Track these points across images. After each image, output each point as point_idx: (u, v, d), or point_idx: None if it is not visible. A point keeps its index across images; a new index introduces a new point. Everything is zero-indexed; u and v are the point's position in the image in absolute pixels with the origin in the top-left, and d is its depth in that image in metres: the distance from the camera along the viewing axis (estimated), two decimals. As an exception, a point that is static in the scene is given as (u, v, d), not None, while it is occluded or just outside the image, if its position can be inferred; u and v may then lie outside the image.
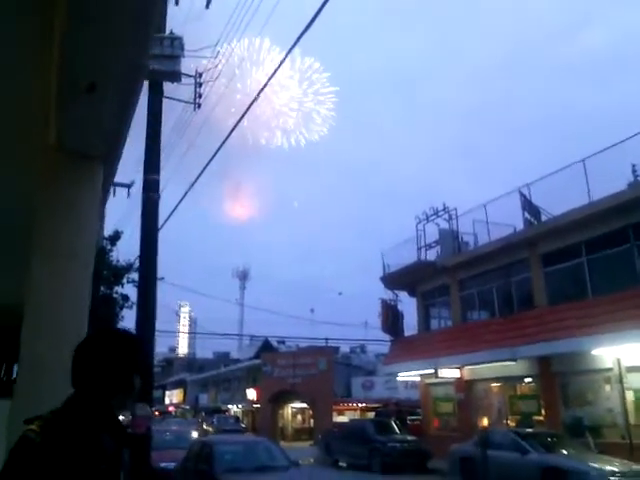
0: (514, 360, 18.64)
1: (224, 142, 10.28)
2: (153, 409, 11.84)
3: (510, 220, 21.17)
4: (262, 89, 8.91)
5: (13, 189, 3.92)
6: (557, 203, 18.84)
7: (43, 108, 3.45)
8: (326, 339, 42.37)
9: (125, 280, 15.48)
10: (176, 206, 12.41)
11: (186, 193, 11.90)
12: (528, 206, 20.33)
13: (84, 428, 1.63)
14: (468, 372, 21.50)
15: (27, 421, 1.70)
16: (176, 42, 10.21)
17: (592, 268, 17.75)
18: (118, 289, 15.66)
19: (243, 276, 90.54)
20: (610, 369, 16.52)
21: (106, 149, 3.86)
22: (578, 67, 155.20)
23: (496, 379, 20.78)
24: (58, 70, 2.95)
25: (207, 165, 10.93)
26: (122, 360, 1.83)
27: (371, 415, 32.58)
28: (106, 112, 3.39)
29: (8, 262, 5.36)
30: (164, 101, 10.58)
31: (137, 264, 12.54)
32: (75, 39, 2.77)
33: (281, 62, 8.52)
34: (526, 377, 19.75)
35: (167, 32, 10.38)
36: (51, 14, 2.80)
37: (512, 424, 19.43)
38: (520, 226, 20.52)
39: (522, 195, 20.31)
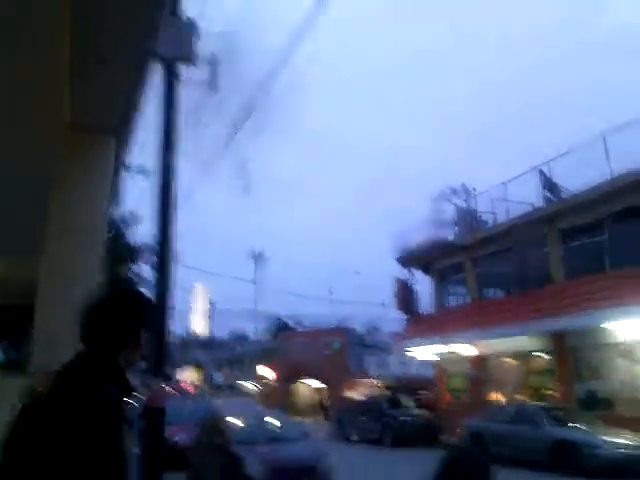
0: (528, 335, 18.68)
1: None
2: (169, 387, 12.03)
3: (529, 200, 21.07)
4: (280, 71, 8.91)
5: (28, 165, 4.01)
6: (576, 181, 18.66)
7: (57, 84, 3.50)
8: (340, 318, 42.57)
9: (142, 261, 15.71)
10: (193, 190, 12.48)
11: (208, 172, 11.95)
12: (548, 184, 20.20)
13: (88, 379, 1.65)
14: (482, 348, 21.53)
15: (36, 377, 1.78)
16: (190, 24, 10.15)
17: (611, 243, 17.58)
18: (135, 269, 15.89)
19: (258, 258, 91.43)
20: (623, 343, 16.49)
21: (118, 124, 3.92)
22: (603, 43, 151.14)
23: (510, 354, 20.82)
24: (70, 41, 2.98)
25: (228, 144, 10.97)
26: (128, 315, 1.86)
27: (384, 392, 32.82)
28: (118, 86, 3.44)
29: (24, 240, 5.47)
30: (179, 85, 10.57)
31: (154, 245, 12.68)
32: (85, 7, 2.79)
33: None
34: (540, 352, 19.75)
35: (181, 15, 10.32)
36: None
37: (525, 399, 19.51)
38: (538, 204, 20.41)
39: (542, 173, 20.20)
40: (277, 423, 11.86)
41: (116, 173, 5.17)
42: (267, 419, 12.21)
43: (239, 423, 11.54)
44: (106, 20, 2.90)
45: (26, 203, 4.43)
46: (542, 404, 16.80)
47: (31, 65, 3.09)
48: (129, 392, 1.76)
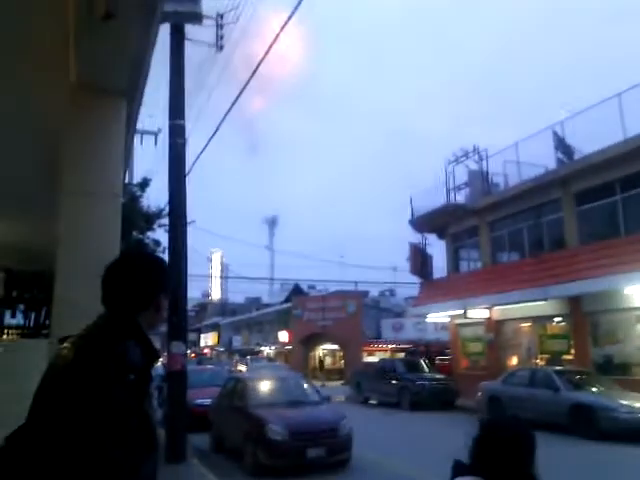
0: (545, 300, 18.55)
1: (251, 77, 10.13)
2: (189, 351, 12.21)
3: (542, 161, 20.64)
4: (284, 25, 8.68)
5: (38, 129, 3.94)
6: (591, 142, 18.15)
7: (63, 44, 3.41)
8: (355, 282, 42.74)
9: (156, 225, 15.67)
10: (204, 148, 12.41)
11: (216, 131, 11.84)
12: (561, 145, 19.76)
13: (111, 341, 1.66)
14: (498, 312, 21.50)
15: (61, 340, 1.78)
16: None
17: (626, 206, 17.34)
18: (150, 234, 15.88)
19: (272, 222, 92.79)
20: (640, 308, 16.36)
21: (127, 83, 3.81)
22: (609, 6, 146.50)
23: (526, 319, 20.76)
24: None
25: (235, 101, 10.82)
26: (146, 277, 1.89)
27: (401, 356, 33.10)
28: (125, 43, 3.32)
29: (40, 205, 5.44)
30: (186, 44, 10.40)
31: (167, 209, 12.67)
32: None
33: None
34: (556, 316, 19.67)
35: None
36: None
37: (542, 363, 19.54)
38: (552, 166, 20.03)
39: (555, 134, 19.73)
40: (296, 386, 11.97)
41: (128, 135, 5.08)
42: (286, 382, 12.34)
43: (260, 386, 11.68)
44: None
45: (35, 166, 4.36)
46: (559, 368, 16.78)
47: (33, 21, 2.98)
48: (153, 353, 1.78)
